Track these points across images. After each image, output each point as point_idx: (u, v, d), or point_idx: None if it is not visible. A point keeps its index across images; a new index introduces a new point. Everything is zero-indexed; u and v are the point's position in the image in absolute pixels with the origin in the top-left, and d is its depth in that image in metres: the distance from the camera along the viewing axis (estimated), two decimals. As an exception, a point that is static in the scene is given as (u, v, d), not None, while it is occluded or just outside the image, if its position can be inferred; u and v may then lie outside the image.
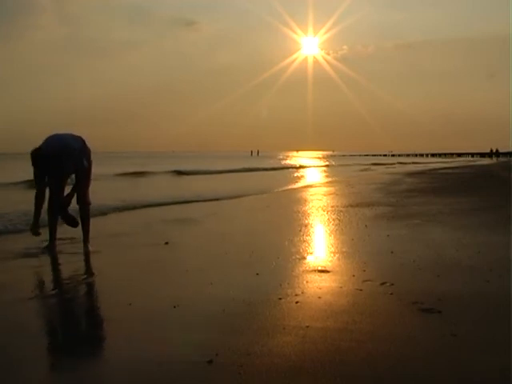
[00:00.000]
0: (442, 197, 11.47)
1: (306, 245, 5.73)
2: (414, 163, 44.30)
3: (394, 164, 42.35)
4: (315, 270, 4.44)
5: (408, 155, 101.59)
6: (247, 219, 8.28)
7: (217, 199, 11.84)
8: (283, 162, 32.60)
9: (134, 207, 9.89)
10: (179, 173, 22.35)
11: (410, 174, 23.14)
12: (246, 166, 29.34)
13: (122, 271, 4.97)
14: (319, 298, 3.62)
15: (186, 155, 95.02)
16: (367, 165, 38.66)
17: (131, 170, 25.09)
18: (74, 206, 6.02)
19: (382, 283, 3.92)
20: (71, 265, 5.11)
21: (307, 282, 4.09)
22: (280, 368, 2.45)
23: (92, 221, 6.11)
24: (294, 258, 5.03)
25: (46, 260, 5.32)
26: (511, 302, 3.33)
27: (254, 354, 2.61)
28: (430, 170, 29.38)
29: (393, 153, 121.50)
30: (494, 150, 75.74)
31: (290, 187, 16.48)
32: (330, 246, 5.73)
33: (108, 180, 17.79)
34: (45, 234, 5.87)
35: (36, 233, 5.83)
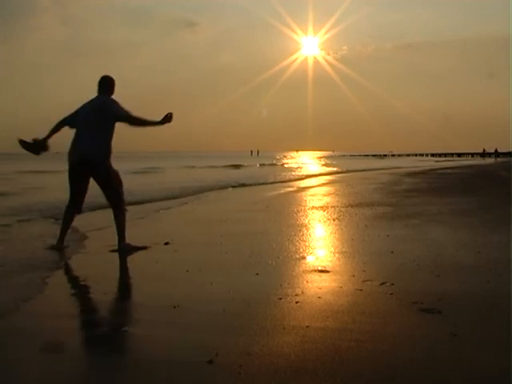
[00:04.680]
0: (441, 197, 11.47)
1: (306, 245, 5.73)
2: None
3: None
4: (315, 270, 4.44)
5: (408, 155, 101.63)
6: (247, 219, 8.27)
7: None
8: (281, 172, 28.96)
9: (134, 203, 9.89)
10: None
11: (410, 174, 23.14)
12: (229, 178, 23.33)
13: (122, 271, 4.98)
14: (319, 297, 3.62)
15: (186, 155, 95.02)
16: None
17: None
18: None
19: (382, 283, 3.92)
20: (71, 265, 5.11)
21: (307, 281, 4.09)
22: (280, 368, 2.45)
23: (90, 219, 6.10)
24: (294, 257, 5.03)
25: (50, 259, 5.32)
26: (511, 302, 3.33)
27: (254, 354, 2.61)
28: (430, 170, 29.38)
29: (393, 153, 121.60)
30: (493, 150, 75.63)
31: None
32: (330, 246, 5.73)
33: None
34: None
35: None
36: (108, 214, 5.81)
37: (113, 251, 5.46)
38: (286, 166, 41.54)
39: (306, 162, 51.52)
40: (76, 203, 5.73)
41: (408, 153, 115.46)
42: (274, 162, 50.85)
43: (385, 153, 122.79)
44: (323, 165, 42.65)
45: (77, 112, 5.74)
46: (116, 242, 5.56)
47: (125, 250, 5.50)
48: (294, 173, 28.09)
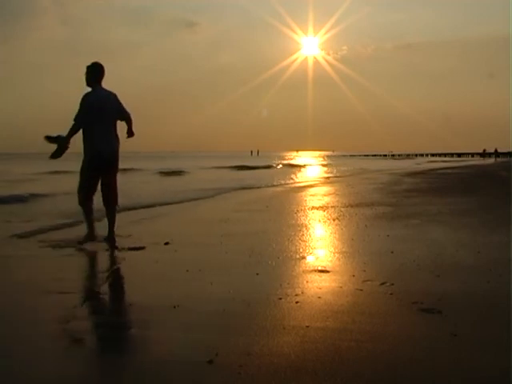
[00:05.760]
0: (441, 197, 11.47)
1: (306, 245, 5.73)
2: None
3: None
4: (315, 270, 4.44)
5: (408, 155, 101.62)
6: (247, 219, 8.27)
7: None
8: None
9: (134, 207, 9.89)
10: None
11: (410, 174, 23.14)
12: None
13: (122, 271, 4.98)
14: (319, 298, 3.61)
15: (186, 155, 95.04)
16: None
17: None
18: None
19: (382, 283, 3.92)
20: (72, 264, 5.12)
21: (307, 281, 4.08)
22: (280, 368, 2.45)
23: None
24: (294, 257, 5.03)
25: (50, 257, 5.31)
26: (511, 302, 3.33)
27: (254, 354, 2.61)
28: (430, 169, 29.36)
29: (393, 153, 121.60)
30: (492, 150, 75.53)
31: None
32: (330, 246, 5.73)
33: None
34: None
35: None
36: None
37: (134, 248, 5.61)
38: (307, 166, 41.50)
39: (324, 163, 51.09)
40: (92, 197, 5.92)
41: (408, 153, 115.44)
42: (295, 162, 50.68)
43: (385, 153, 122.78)
44: (343, 165, 42.97)
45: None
46: (106, 237, 5.83)
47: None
48: (323, 173, 28.09)
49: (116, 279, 4.65)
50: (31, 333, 3.08)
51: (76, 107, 5.81)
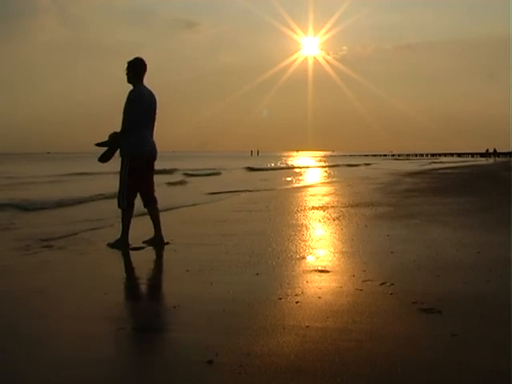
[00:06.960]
0: (441, 197, 11.47)
1: (306, 245, 5.73)
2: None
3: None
4: (315, 270, 4.44)
5: (408, 155, 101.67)
6: (247, 219, 8.27)
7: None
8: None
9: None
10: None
11: (410, 174, 23.13)
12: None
13: (122, 271, 4.98)
14: (319, 298, 3.62)
15: (187, 155, 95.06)
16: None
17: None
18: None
19: (382, 283, 3.92)
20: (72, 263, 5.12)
21: (307, 281, 4.08)
22: (280, 368, 2.45)
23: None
24: (294, 257, 5.03)
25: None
26: (511, 302, 3.33)
27: (254, 354, 2.61)
28: (430, 169, 29.37)
29: (393, 153, 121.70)
30: (492, 150, 75.48)
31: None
32: (330, 246, 5.73)
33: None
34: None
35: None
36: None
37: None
38: (327, 167, 41.57)
39: (350, 163, 50.60)
40: (134, 201, 5.81)
41: (408, 153, 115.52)
42: (311, 164, 50.41)
43: (385, 153, 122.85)
44: (367, 164, 43.22)
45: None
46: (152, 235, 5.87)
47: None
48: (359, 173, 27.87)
49: (116, 279, 4.65)
50: (31, 333, 3.08)
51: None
